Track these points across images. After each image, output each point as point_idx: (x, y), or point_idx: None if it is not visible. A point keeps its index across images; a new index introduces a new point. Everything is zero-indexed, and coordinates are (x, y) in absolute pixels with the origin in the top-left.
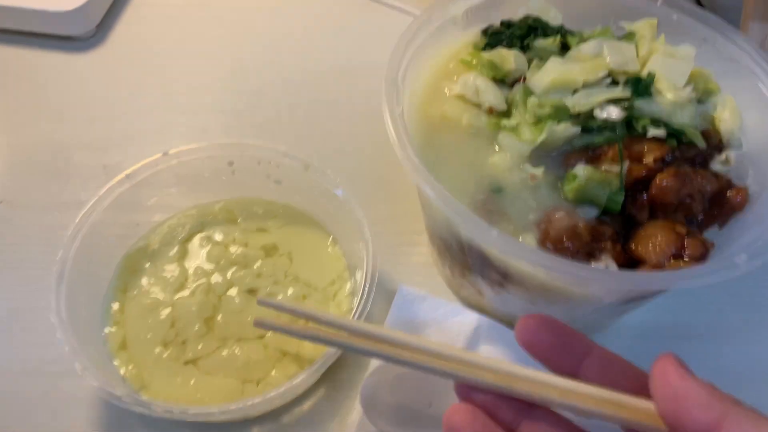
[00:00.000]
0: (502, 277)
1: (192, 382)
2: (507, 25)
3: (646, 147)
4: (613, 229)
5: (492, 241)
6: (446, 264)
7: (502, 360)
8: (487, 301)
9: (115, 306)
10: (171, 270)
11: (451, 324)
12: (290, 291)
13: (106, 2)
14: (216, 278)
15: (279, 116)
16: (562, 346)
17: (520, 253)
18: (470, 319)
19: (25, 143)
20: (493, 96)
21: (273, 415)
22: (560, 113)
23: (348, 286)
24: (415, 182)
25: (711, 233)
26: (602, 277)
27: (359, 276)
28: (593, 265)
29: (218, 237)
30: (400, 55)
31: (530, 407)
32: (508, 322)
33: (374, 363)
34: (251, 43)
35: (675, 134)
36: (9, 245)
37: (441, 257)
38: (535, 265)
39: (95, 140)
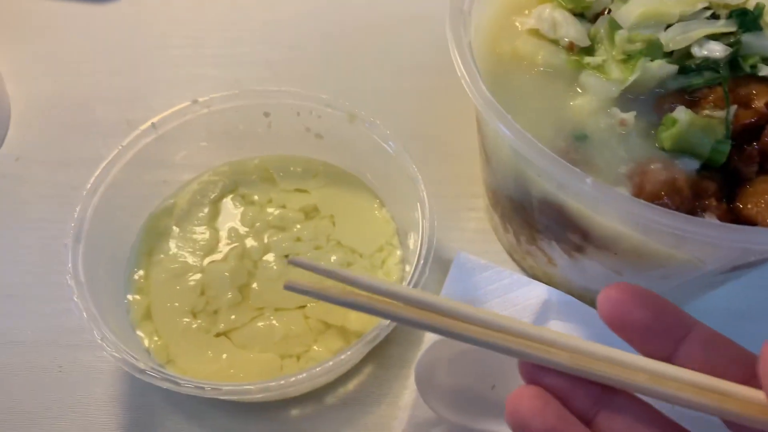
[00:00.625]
0: (582, 239)
1: (224, 356)
2: None
3: (755, 89)
4: (718, 184)
5: (586, 191)
6: (510, 229)
7: (577, 338)
8: (560, 270)
9: (139, 272)
10: (201, 232)
11: (516, 296)
12: (333, 258)
13: None
14: (251, 242)
15: (318, 70)
16: (657, 324)
17: (624, 206)
18: (539, 291)
19: (43, 96)
20: (573, 30)
21: (315, 395)
22: (653, 49)
23: (398, 253)
24: (485, 124)
25: None
26: (711, 231)
27: (411, 241)
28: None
29: (253, 197)
30: None
31: (611, 395)
32: (583, 297)
33: (429, 338)
34: None
35: None
36: (24, 204)
37: (505, 221)
38: (635, 221)
39: (118, 93)
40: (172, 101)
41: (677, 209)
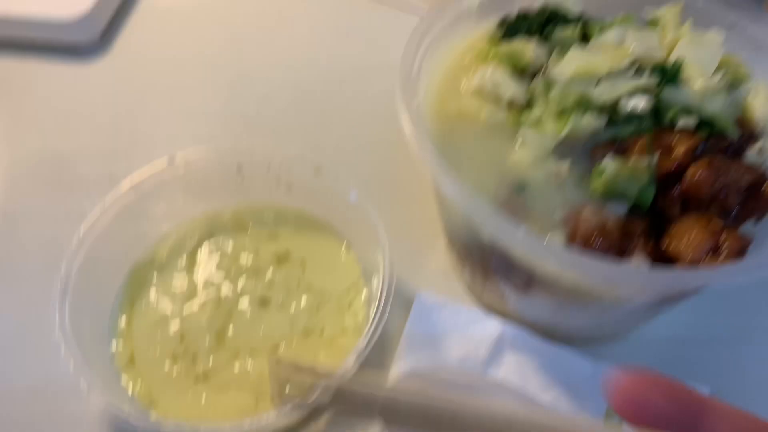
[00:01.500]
0: (527, 280)
1: (203, 398)
2: (524, 16)
3: (675, 138)
4: (644, 225)
5: (518, 242)
6: (466, 268)
7: None
8: (511, 306)
9: (122, 321)
10: (179, 282)
11: (473, 332)
12: (303, 300)
13: (110, 10)
14: (226, 289)
15: (288, 121)
16: (675, 413)
17: (550, 253)
18: (493, 326)
19: (29, 155)
20: (512, 89)
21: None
22: (584, 105)
23: (364, 293)
24: (433, 179)
25: (746, 228)
26: (636, 276)
27: (375, 283)
28: (625, 264)
29: (228, 245)
30: (413, 50)
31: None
32: (536, 327)
33: (393, 375)
34: (258, 48)
35: (706, 124)
36: (12, 260)
37: (461, 261)
38: (565, 267)
39: (101, 150)
40: (152, 155)
41: (608, 250)
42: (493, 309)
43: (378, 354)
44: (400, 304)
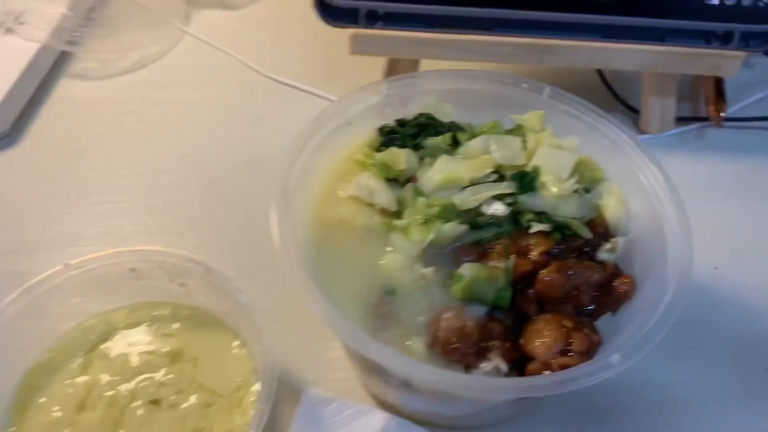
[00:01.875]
0: (400, 381)
1: None
2: (401, 123)
3: (532, 241)
4: (503, 326)
5: (372, 354)
6: (353, 362)
7: None
8: (394, 399)
9: (12, 429)
10: (73, 385)
11: (357, 425)
12: (194, 399)
13: (22, 100)
14: (119, 390)
15: (192, 213)
16: None
17: (395, 364)
18: (378, 417)
19: None
20: (384, 196)
21: None
22: (448, 212)
23: (255, 389)
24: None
25: (606, 319)
26: (466, 386)
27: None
28: (483, 365)
29: (123, 345)
30: (292, 161)
31: None
32: (418, 418)
33: None
34: (168, 139)
35: (559, 227)
36: None
37: (348, 355)
38: (410, 376)
39: (6, 245)
40: (56, 253)
41: (467, 352)
42: (382, 401)
43: None
44: (295, 397)
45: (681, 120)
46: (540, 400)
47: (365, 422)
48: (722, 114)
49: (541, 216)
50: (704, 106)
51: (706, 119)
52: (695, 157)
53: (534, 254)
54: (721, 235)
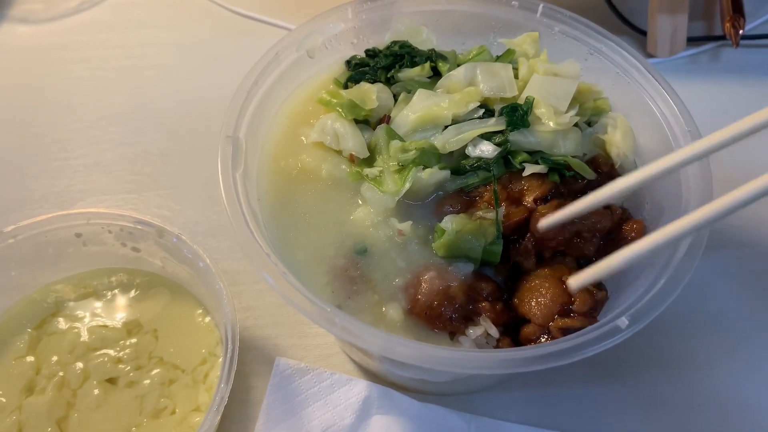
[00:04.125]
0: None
1: None
2: (372, 54)
3: (526, 185)
4: (494, 285)
5: (337, 332)
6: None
7: None
8: (375, 366)
9: None
10: (18, 365)
11: (337, 396)
12: (154, 376)
13: None
14: (71, 369)
15: (150, 168)
16: None
17: (369, 342)
18: (359, 388)
19: None
20: (353, 141)
21: None
22: (427, 156)
23: (222, 362)
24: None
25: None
26: (451, 362)
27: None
28: (470, 330)
29: (73, 319)
30: (241, 104)
31: None
32: (405, 385)
33: None
34: (121, 86)
35: (558, 167)
36: None
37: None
38: (387, 354)
39: None
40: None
41: (453, 316)
42: (362, 368)
43: (241, 428)
44: (268, 369)
45: (693, 40)
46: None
47: (345, 393)
48: (740, 31)
49: (535, 156)
50: (719, 24)
51: (721, 38)
52: (710, 81)
53: (528, 200)
54: (738, 171)
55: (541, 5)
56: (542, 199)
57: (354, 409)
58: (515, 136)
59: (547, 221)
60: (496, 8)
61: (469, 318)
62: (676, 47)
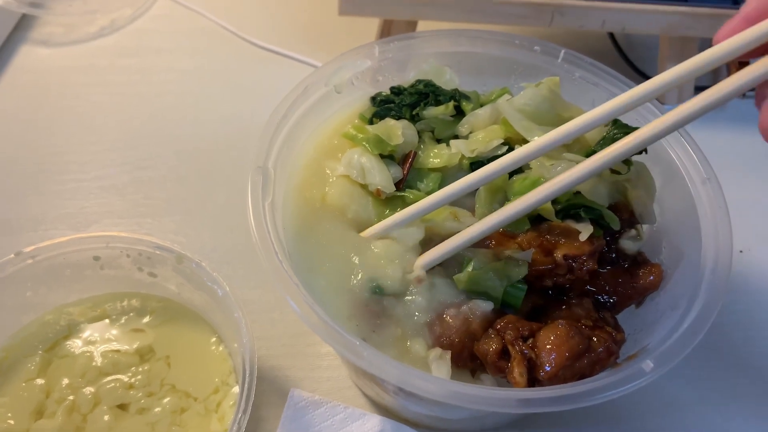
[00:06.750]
0: (395, 387)
1: None
2: (397, 91)
3: (562, 240)
4: (517, 329)
5: (365, 365)
6: (344, 360)
7: None
8: (390, 402)
9: None
10: (29, 388)
11: (351, 430)
12: (166, 403)
13: None
14: (82, 393)
15: (166, 193)
16: None
17: (392, 375)
18: (372, 422)
19: None
20: (379, 176)
21: None
22: None
23: (234, 392)
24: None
25: (627, 313)
26: (473, 399)
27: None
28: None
29: (86, 342)
30: (271, 136)
31: None
32: (418, 422)
33: None
34: (139, 110)
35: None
36: None
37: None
38: (410, 389)
39: None
40: (14, 237)
41: (473, 355)
42: (376, 403)
43: None
44: (279, 401)
45: (701, 89)
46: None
47: (358, 428)
48: None
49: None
50: (726, 75)
51: None
52: (717, 131)
53: (558, 255)
54: (747, 217)
55: (563, 51)
56: (572, 258)
57: None
58: None
59: None
60: (519, 52)
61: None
62: (684, 95)
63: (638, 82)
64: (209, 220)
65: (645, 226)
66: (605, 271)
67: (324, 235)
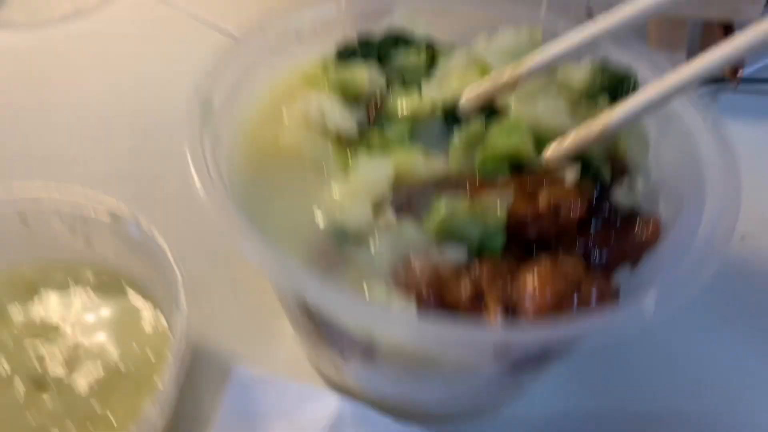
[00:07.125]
0: (365, 349)
1: None
2: (365, 41)
3: (546, 184)
4: (493, 271)
5: (313, 296)
6: (300, 334)
7: None
8: (351, 378)
9: None
10: None
11: (304, 412)
12: (92, 379)
13: None
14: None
15: (93, 157)
16: None
17: (351, 311)
18: (330, 404)
19: None
20: (341, 118)
21: None
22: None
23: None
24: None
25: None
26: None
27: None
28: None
29: (8, 315)
30: (219, 66)
31: None
32: (380, 403)
33: None
34: (61, 75)
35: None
36: None
37: (296, 327)
38: (372, 326)
39: None
40: None
41: (442, 304)
42: (333, 382)
43: None
44: (218, 376)
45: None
46: (531, 379)
47: (313, 408)
48: (739, 74)
49: None
50: None
51: (720, 80)
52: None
53: (542, 200)
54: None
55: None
56: (556, 206)
57: (323, 426)
58: None
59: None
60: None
61: (458, 307)
62: None
63: None
64: (143, 184)
65: (640, 179)
66: (597, 229)
67: (277, 180)
